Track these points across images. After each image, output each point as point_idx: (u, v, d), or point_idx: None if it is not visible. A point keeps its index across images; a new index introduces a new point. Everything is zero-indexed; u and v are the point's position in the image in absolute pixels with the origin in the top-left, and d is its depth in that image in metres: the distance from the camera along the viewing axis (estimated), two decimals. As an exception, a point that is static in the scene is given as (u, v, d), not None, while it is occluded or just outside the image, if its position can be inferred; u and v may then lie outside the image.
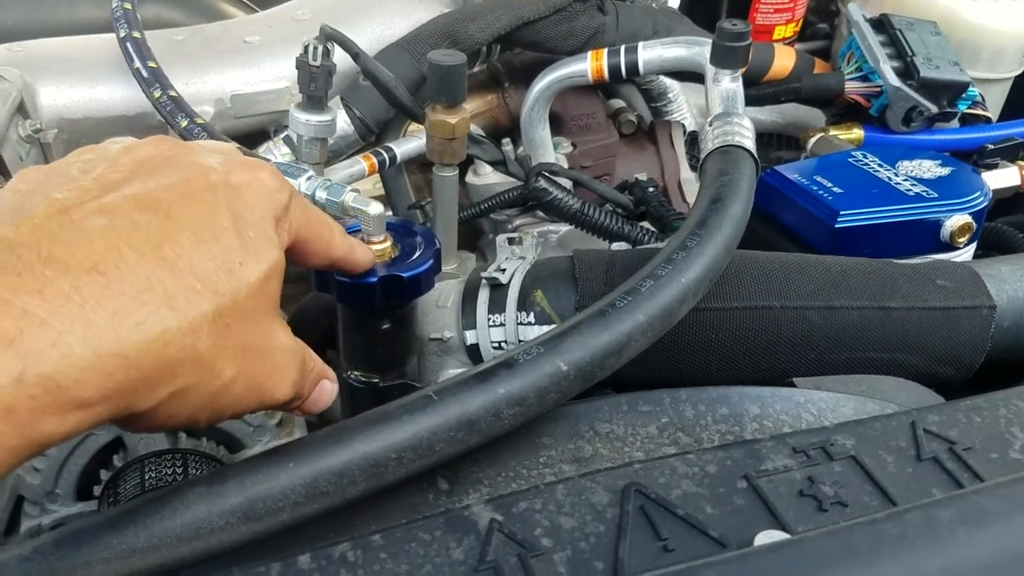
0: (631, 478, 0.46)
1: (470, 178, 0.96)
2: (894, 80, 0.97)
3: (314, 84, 0.70)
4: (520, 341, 0.69)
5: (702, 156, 0.67)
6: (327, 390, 0.49)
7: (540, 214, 0.94)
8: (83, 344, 0.32)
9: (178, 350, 0.35)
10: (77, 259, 0.33)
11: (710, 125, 0.68)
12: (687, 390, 0.56)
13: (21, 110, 0.79)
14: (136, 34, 0.82)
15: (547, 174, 0.84)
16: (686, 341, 0.63)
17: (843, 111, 1.06)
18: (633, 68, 0.82)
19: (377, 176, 0.93)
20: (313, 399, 0.48)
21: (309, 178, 0.68)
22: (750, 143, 0.66)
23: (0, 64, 0.80)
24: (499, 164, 0.84)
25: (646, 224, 0.86)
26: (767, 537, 0.42)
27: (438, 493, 0.50)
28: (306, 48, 0.69)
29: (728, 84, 0.72)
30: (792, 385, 0.62)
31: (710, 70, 0.74)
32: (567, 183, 0.87)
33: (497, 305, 0.70)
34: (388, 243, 0.64)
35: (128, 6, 0.85)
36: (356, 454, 0.43)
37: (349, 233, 0.65)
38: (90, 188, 0.37)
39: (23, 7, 1.04)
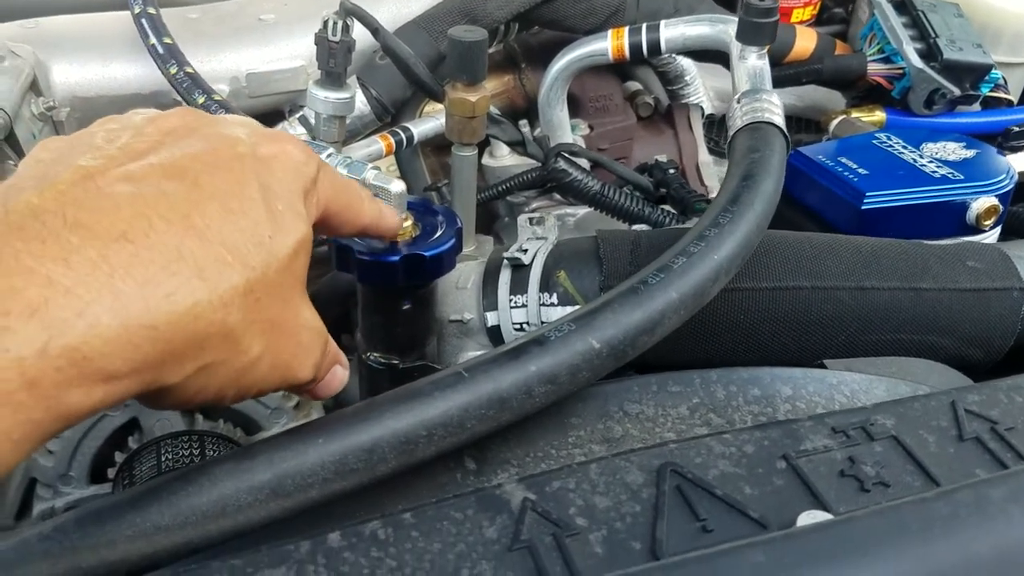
0: (666, 458, 0.45)
1: (486, 160, 0.94)
2: (917, 62, 0.95)
3: (333, 60, 0.69)
4: (543, 323, 0.68)
5: (731, 133, 0.65)
6: (339, 376, 0.48)
7: (558, 196, 0.93)
8: (111, 315, 0.31)
9: (208, 324, 0.34)
10: (104, 226, 0.32)
11: (738, 102, 0.67)
12: (718, 371, 0.55)
13: (34, 87, 0.77)
14: (151, 10, 0.81)
15: (566, 155, 0.83)
16: (715, 322, 0.62)
17: (863, 94, 1.04)
18: (655, 47, 0.81)
19: (392, 158, 0.92)
20: (326, 383, 0.47)
21: (329, 155, 0.67)
22: (780, 120, 0.65)
23: (12, 41, 0.79)
24: (518, 144, 0.83)
25: (666, 207, 0.85)
26: (810, 517, 0.41)
27: (466, 473, 0.49)
28: (325, 23, 0.68)
29: (755, 61, 0.71)
30: (823, 367, 0.60)
31: (736, 47, 0.72)
32: (586, 165, 0.86)
33: (519, 286, 0.68)
34: (409, 222, 0.62)
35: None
36: (386, 431, 0.42)
37: None
38: (116, 156, 0.36)
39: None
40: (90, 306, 0.30)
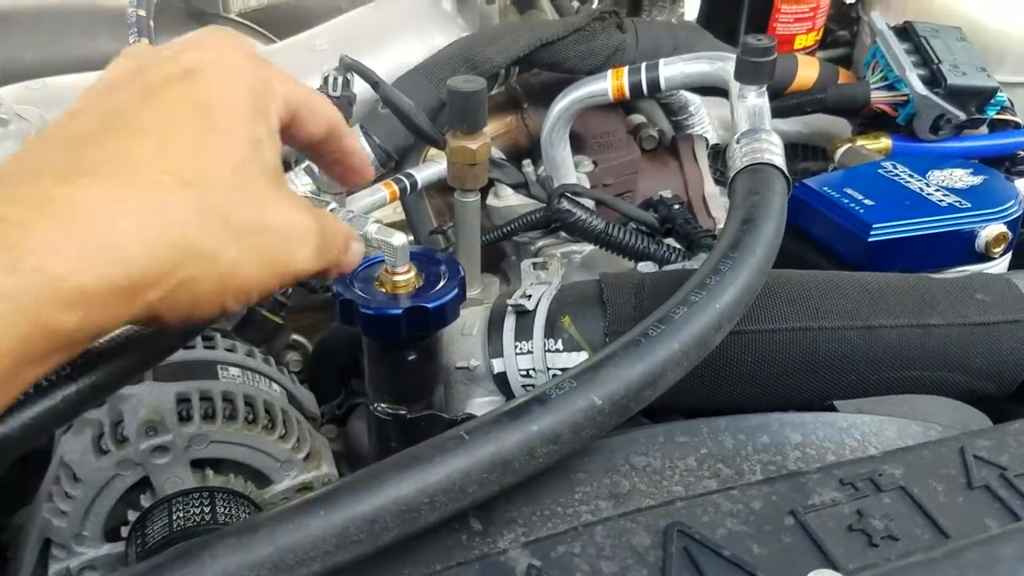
0: (673, 517, 0.44)
1: (491, 201, 0.94)
2: (921, 88, 0.95)
3: (334, 114, 0.69)
4: (548, 369, 0.68)
5: (730, 175, 0.65)
6: (355, 250, 0.50)
7: (564, 235, 0.93)
8: (63, 240, 0.33)
9: (166, 245, 0.35)
10: (45, 173, 0.35)
11: (737, 143, 0.67)
12: (725, 419, 0.54)
13: (41, 148, 0.78)
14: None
15: (570, 195, 0.83)
16: (721, 366, 0.61)
17: (868, 120, 1.04)
18: (655, 85, 0.81)
19: (398, 203, 0.92)
20: (345, 261, 0.49)
21: (332, 210, 0.67)
22: (780, 160, 0.64)
23: (18, 103, 0.80)
24: (520, 187, 0.83)
25: (671, 242, 0.85)
26: (818, 577, 0.40)
27: (472, 534, 0.48)
28: (326, 79, 0.68)
29: (754, 100, 0.70)
30: (832, 408, 0.60)
31: (735, 86, 0.72)
32: (590, 203, 0.86)
33: (524, 332, 0.68)
34: (412, 273, 0.63)
35: (144, 40, 0.85)
36: (388, 499, 0.42)
37: (372, 264, 0.65)
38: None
39: (41, 42, 1.04)
40: (41, 232, 0.32)
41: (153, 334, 0.47)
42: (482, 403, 0.73)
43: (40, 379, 0.35)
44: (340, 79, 0.68)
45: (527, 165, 0.95)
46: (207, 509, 0.65)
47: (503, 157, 0.89)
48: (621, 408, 0.47)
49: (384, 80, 0.75)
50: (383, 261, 0.63)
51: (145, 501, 0.67)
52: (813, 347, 0.62)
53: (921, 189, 0.84)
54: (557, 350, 0.67)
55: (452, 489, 0.43)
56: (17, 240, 0.32)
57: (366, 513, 0.41)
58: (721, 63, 0.77)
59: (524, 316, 0.68)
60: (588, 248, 0.91)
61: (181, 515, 0.64)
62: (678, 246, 0.84)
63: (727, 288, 0.52)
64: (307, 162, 0.82)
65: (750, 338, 0.61)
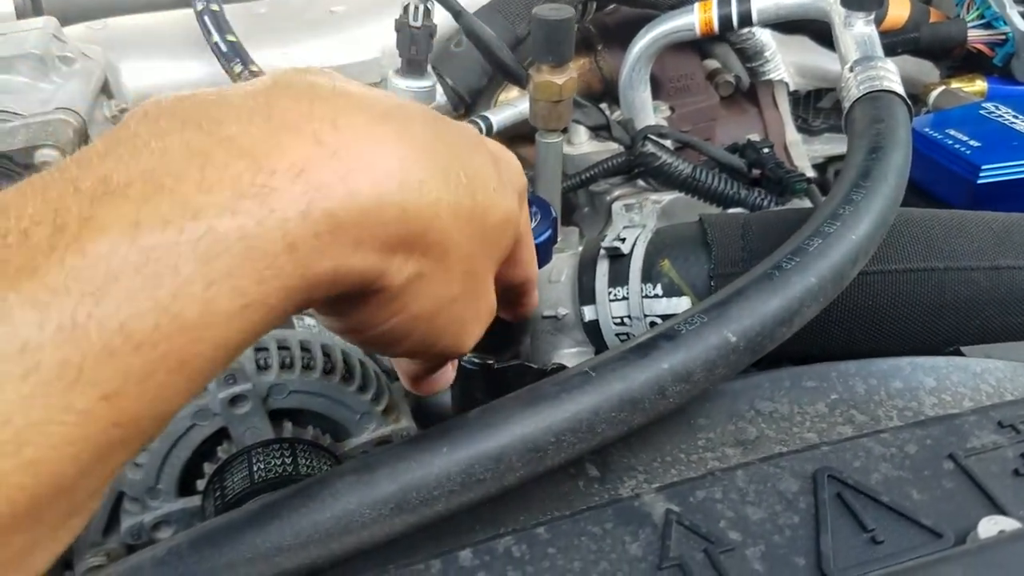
0: (820, 462, 0.41)
1: (565, 148, 0.90)
2: (1022, 25, 0.89)
3: (415, 47, 0.65)
4: (645, 316, 0.64)
5: (847, 104, 0.60)
6: (448, 374, 0.45)
7: (641, 183, 0.88)
8: (370, 185, 0.29)
9: (440, 229, 0.32)
10: (369, 102, 0.31)
11: (851, 71, 0.62)
12: (855, 363, 0.50)
13: (105, 90, 0.75)
14: (214, 7, 0.78)
15: (654, 137, 0.78)
16: (839, 309, 0.57)
17: (959, 63, 0.98)
18: (746, 18, 0.76)
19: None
20: (437, 378, 0.44)
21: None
22: (899, 87, 0.60)
23: (82, 43, 0.76)
24: (602, 129, 0.79)
25: (761, 188, 0.80)
26: (992, 524, 0.36)
27: (588, 481, 0.45)
28: (406, 8, 0.65)
29: (862, 28, 0.66)
30: (959, 353, 0.56)
31: (839, 14, 0.67)
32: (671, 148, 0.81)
33: (618, 277, 0.64)
34: (503, 213, 0.59)
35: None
36: (513, 437, 0.38)
37: None
38: None
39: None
40: (352, 173, 0.29)
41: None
42: (570, 354, 0.69)
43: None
44: (421, 8, 0.64)
45: (603, 109, 0.91)
46: (288, 460, 0.62)
47: (582, 99, 0.85)
48: (755, 346, 0.43)
49: (467, 11, 0.71)
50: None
51: (222, 453, 0.65)
52: (939, 289, 0.57)
53: (1028, 130, 0.79)
54: (656, 295, 0.63)
55: (580, 428, 0.39)
56: (321, 177, 0.28)
57: (491, 451, 0.38)
58: (820, -7, 0.72)
59: (618, 260, 0.64)
60: (668, 197, 0.87)
61: (262, 466, 0.62)
62: (768, 192, 0.79)
63: (862, 218, 0.48)
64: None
65: (871, 279, 0.57)
